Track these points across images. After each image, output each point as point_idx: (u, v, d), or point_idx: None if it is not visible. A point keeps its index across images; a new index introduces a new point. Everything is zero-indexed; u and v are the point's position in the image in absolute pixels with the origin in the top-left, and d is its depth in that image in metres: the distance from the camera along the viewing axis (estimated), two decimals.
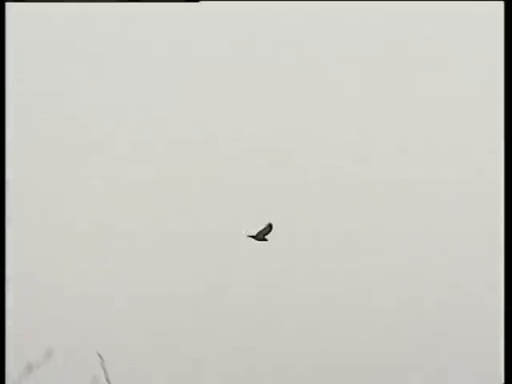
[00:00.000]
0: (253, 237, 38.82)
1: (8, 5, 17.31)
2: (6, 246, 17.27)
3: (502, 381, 15.62)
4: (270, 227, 38.73)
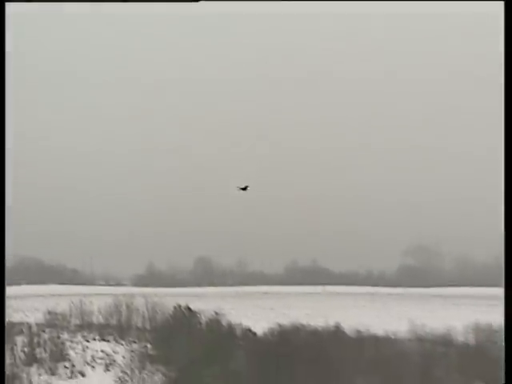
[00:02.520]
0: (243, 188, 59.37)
1: (8, 5, 15.59)
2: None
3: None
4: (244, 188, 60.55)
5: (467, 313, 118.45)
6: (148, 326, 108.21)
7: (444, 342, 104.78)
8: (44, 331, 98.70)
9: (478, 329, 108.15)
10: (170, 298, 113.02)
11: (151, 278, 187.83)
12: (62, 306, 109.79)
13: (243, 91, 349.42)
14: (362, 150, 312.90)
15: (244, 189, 66.54)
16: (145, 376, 75.64)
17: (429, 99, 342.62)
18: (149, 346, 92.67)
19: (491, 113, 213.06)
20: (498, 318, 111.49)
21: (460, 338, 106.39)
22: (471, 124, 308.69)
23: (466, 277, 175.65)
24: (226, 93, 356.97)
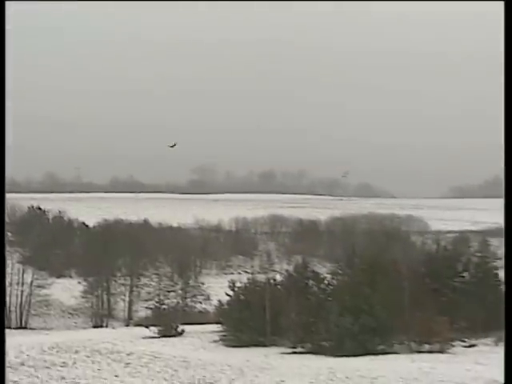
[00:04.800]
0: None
1: (8, 4, 12.24)
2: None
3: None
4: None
5: (231, 210, 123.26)
6: (8, 220, 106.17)
7: (216, 230, 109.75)
8: None
9: (237, 220, 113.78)
10: (25, 201, 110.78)
11: (11, 187, 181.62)
12: None
13: None
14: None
15: (172, 146, 66.86)
16: (6, 255, 75.16)
17: (428, 93, 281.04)
18: (9, 234, 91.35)
19: (491, 110, 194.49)
20: (249, 214, 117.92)
21: (226, 226, 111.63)
22: (469, 118, 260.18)
23: (232, 187, 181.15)
24: None
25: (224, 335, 45.86)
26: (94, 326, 71.73)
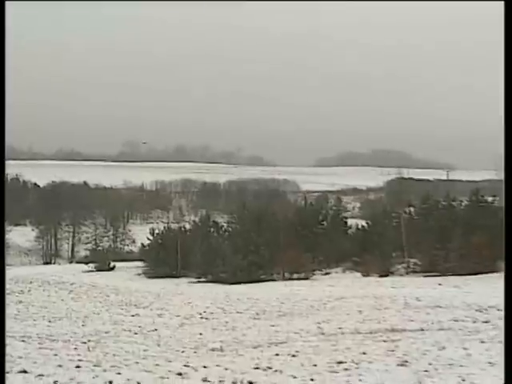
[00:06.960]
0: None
1: (8, 4, 10.64)
2: None
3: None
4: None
5: (152, 175, 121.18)
6: None
7: (140, 190, 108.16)
8: None
9: (156, 183, 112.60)
10: None
11: None
12: None
13: None
14: None
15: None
16: None
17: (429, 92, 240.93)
18: None
19: (490, 109, 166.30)
20: (166, 178, 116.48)
21: (148, 187, 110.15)
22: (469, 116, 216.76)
23: (153, 157, 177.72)
24: None
25: (145, 269, 45.70)
26: (45, 263, 69.76)
